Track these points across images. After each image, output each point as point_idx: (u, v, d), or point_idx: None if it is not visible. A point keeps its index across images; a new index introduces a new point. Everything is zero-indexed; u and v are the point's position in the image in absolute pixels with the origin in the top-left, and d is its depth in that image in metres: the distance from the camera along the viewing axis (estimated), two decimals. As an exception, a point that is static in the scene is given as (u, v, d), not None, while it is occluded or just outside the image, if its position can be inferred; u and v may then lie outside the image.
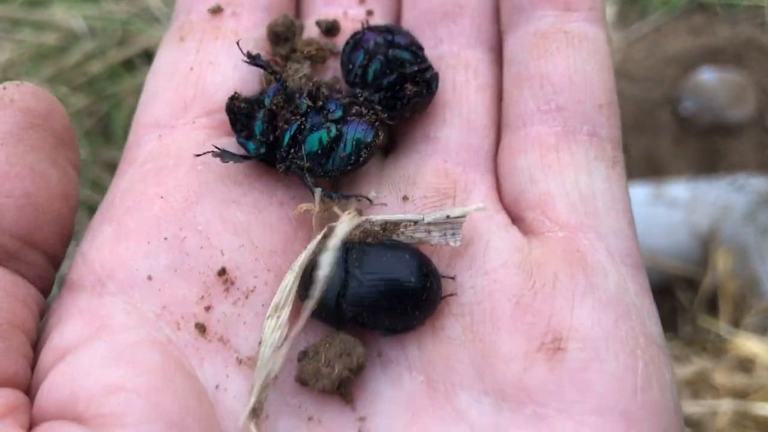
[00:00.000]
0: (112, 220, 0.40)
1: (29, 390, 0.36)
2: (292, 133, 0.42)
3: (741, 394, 1.30)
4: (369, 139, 0.43)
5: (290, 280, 0.39)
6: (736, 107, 1.47)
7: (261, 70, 0.46)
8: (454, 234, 0.40)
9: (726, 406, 1.27)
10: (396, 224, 0.41)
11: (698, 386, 1.35)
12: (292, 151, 0.42)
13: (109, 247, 0.39)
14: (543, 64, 0.44)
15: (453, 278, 0.40)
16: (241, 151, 0.43)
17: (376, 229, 0.41)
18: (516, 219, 0.44)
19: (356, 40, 0.47)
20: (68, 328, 0.37)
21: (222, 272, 0.40)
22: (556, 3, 0.45)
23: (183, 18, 0.48)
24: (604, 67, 0.44)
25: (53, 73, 1.52)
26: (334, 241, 0.37)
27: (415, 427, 0.37)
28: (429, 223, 0.41)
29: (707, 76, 1.48)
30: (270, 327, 0.37)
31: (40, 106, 0.39)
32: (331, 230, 0.40)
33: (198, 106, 0.44)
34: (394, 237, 0.41)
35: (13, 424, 0.33)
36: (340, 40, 0.49)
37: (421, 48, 0.47)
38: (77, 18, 1.52)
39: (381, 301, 0.39)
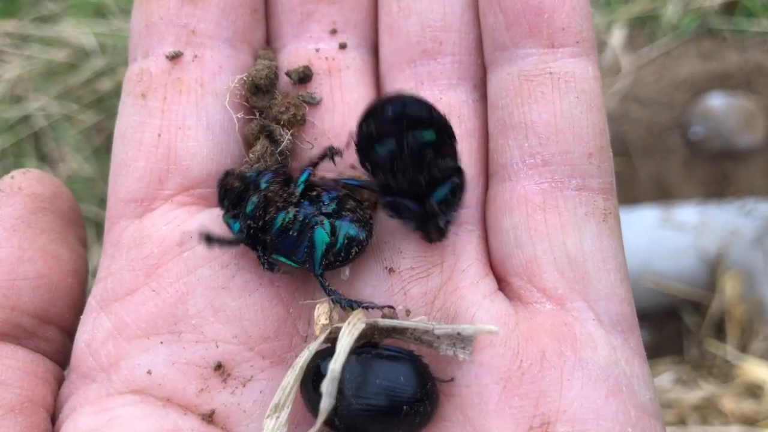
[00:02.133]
0: (110, 312, 0.41)
1: None
2: (285, 222, 0.40)
3: (750, 421, 1.29)
4: (361, 237, 0.41)
5: (290, 380, 0.39)
6: (746, 132, 1.47)
7: (236, 134, 0.44)
8: (464, 348, 0.39)
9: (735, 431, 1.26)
10: (404, 330, 0.40)
11: (706, 411, 1.34)
12: (280, 240, 0.41)
13: (112, 341, 0.41)
14: (527, 112, 0.41)
15: (452, 380, 0.39)
16: (224, 230, 0.42)
17: (382, 328, 0.40)
18: (502, 281, 0.42)
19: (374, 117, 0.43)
20: (81, 421, 0.38)
21: (218, 366, 0.40)
22: (540, 38, 0.41)
23: (141, 64, 0.44)
24: (594, 108, 0.41)
25: (62, 90, 1.52)
26: (343, 347, 0.37)
27: None
28: (438, 335, 0.39)
29: (717, 101, 1.48)
30: (269, 427, 0.38)
31: (46, 190, 0.42)
32: (335, 331, 0.40)
33: (173, 181, 0.43)
34: (401, 338, 0.40)
35: None
36: (314, 85, 0.46)
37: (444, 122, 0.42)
38: (88, 35, 1.52)
39: (372, 422, 0.39)
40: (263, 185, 0.41)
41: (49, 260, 0.41)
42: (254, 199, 0.40)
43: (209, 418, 0.39)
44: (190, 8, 0.43)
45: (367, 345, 0.41)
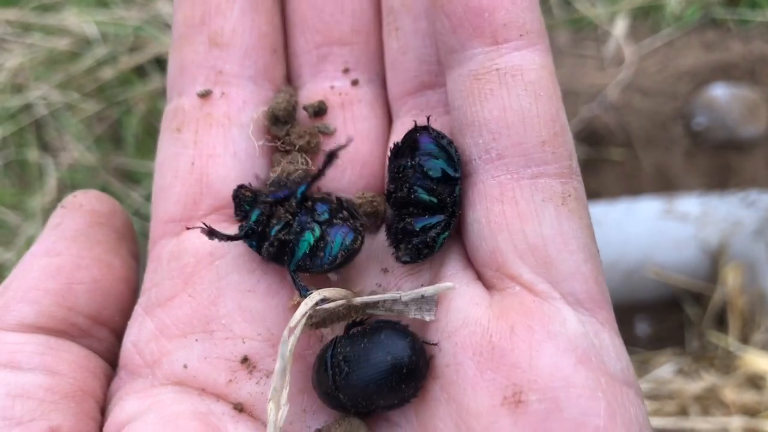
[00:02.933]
0: (153, 316, 0.47)
1: None
2: (279, 228, 0.45)
3: (751, 411, 1.29)
4: (352, 244, 0.45)
5: (279, 366, 0.42)
6: (749, 123, 1.47)
7: (260, 159, 0.49)
8: (429, 310, 0.43)
9: (736, 423, 1.26)
10: (375, 303, 0.45)
11: (708, 402, 1.34)
12: (279, 247, 0.46)
13: (155, 341, 0.46)
14: (479, 111, 0.43)
15: (436, 344, 0.42)
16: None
17: (357, 306, 0.45)
18: (478, 273, 0.44)
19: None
20: (127, 405, 0.44)
21: (245, 360, 0.45)
22: (484, 38, 0.42)
23: (176, 102, 0.50)
24: (543, 97, 0.42)
25: (64, 79, 1.52)
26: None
27: None
28: (406, 302, 0.43)
29: (720, 92, 1.48)
30: (272, 409, 0.42)
31: (103, 207, 0.48)
32: (317, 315, 0.45)
33: (206, 203, 0.48)
34: (375, 312, 0.45)
35: None
36: (329, 118, 0.51)
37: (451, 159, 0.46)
38: (89, 23, 1.52)
39: (369, 386, 0.42)
40: (270, 198, 0.46)
41: (103, 268, 0.46)
42: (257, 209, 0.46)
43: (239, 406, 0.44)
44: (217, 51, 0.49)
45: (353, 325, 0.45)
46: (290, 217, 0.46)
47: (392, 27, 0.49)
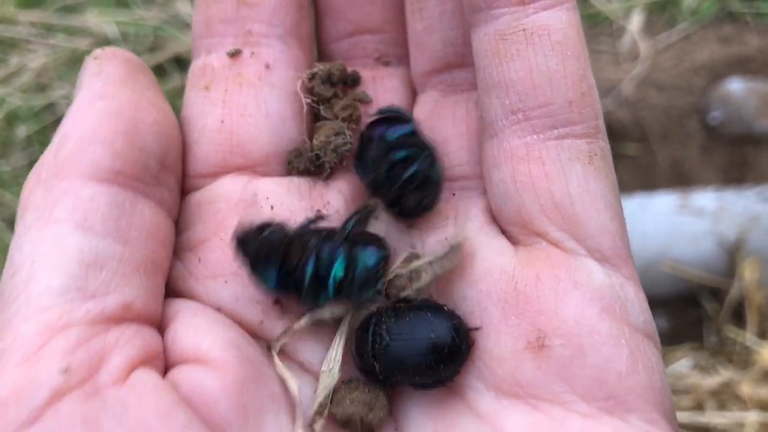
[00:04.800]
0: (183, 258, 0.45)
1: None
2: (311, 272, 0.42)
3: (768, 407, 1.29)
4: (376, 264, 0.43)
5: (339, 336, 0.43)
6: (765, 117, 1.46)
7: (292, 121, 0.48)
8: (453, 260, 0.43)
9: (753, 417, 1.26)
10: (418, 270, 0.44)
11: (724, 397, 1.34)
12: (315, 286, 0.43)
13: (189, 282, 0.44)
14: (505, 71, 0.42)
15: (479, 329, 0.42)
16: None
17: (404, 279, 0.44)
18: (504, 231, 0.45)
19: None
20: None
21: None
22: None
23: (203, 59, 0.48)
24: (570, 57, 0.41)
25: (86, 78, 1.55)
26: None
27: (438, 420, 0.41)
28: (441, 257, 0.43)
29: (736, 86, 1.47)
30: (326, 376, 0.42)
31: (135, 59, 0.45)
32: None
33: (235, 162, 0.46)
34: (420, 283, 0.44)
35: (152, 371, 0.37)
36: (361, 89, 0.51)
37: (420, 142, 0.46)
38: (110, 24, 1.55)
39: (407, 360, 0.41)
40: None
41: (160, 111, 0.43)
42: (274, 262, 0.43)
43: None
44: (245, 10, 0.47)
45: (399, 301, 0.44)
46: (311, 251, 0.43)
47: (416, 7, 0.48)
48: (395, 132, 0.45)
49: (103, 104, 0.40)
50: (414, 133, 0.46)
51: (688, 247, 1.48)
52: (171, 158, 0.44)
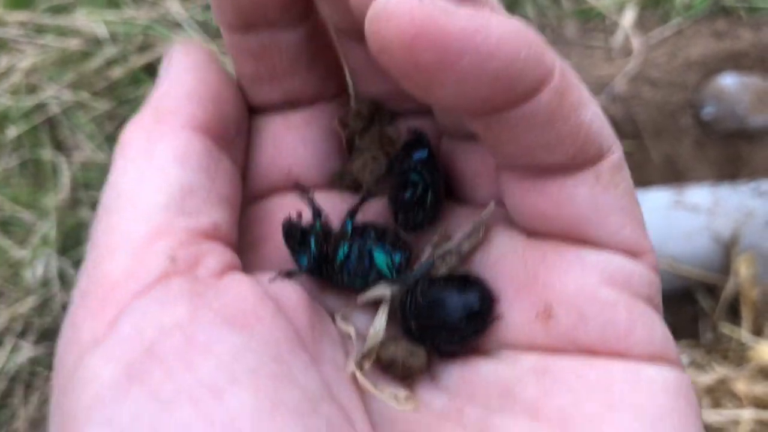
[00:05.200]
0: (244, 252, 0.49)
1: None
2: (344, 253, 0.48)
3: (763, 404, 1.28)
4: (397, 260, 0.48)
5: (382, 312, 0.47)
6: (760, 112, 1.45)
7: (333, 155, 0.52)
8: (476, 237, 0.47)
9: (748, 415, 1.26)
10: (450, 252, 0.48)
11: (719, 395, 1.34)
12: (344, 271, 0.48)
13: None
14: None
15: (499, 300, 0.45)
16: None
17: (440, 257, 0.48)
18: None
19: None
20: None
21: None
22: None
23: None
24: (559, 119, 0.42)
25: (76, 78, 1.54)
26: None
27: (464, 366, 0.45)
28: (468, 236, 0.47)
29: (730, 81, 1.46)
30: (374, 333, 0.46)
31: (207, 47, 0.50)
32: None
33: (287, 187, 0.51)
34: (451, 263, 0.48)
35: (243, 274, 0.42)
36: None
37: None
38: (99, 23, 1.54)
39: (437, 318, 0.45)
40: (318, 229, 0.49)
41: (235, 90, 0.49)
42: (312, 238, 0.48)
43: None
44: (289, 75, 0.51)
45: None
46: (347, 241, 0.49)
47: None
48: (414, 156, 0.50)
49: (196, 74, 0.46)
50: (428, 159, 0.49)
51: (683, 244, 1.48)
52: (244, 127, 0.49)
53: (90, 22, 1.53)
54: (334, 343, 0.45)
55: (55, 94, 1.55)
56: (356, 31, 0.46)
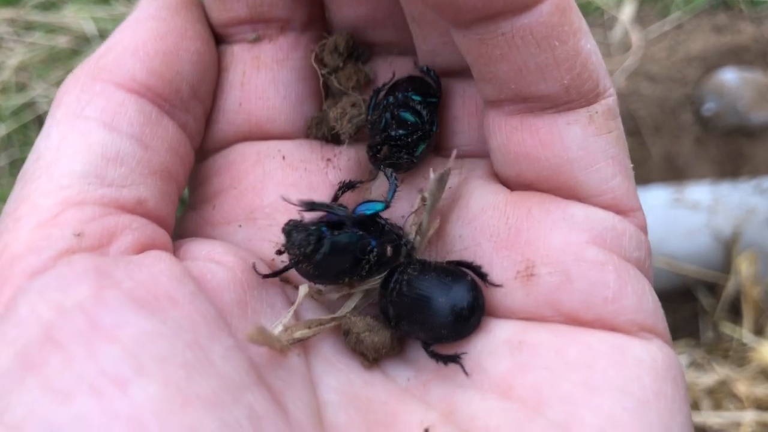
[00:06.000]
0: (198, 208, 0.48)
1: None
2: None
3: (765, 406, 1.27)
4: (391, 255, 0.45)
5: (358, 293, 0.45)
6: (761, 108, 1.43)
7: (309, 99, 0.49)
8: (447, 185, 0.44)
9: (749, 417, 1.24)
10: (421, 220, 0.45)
11: (720, 396, 1.32)
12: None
13: (205, 229, 0.47)
14: (493, 70, 0.41)
15: (501, 285, 0.42)
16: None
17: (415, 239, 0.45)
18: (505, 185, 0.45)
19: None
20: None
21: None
22: (483, 20, 0.40)
23: (223, 46, 0.49)
24: (559, 45, 0.40)
25: (64, 76, 1.52)
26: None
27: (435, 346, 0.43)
28: (432, 192, 0.44)
29: (730, 76, 1.44)
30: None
31: None
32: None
33: (254, 138, 0.48)
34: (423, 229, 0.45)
35: (164, 251, 0.39)
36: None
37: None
38: (87, 21, 1.52)
39: (417, 315, 0.42)
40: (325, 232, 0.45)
41: (205, 44, 0.45)
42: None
43: (285, 279, 0.44)
44: (263, 5, 0.48)
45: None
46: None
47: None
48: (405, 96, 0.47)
49: (152, 24, 0.43)
50: (433, 102, 0.47)
51: (682, 241, 1.46)
52: (204, 89, 0.46)
53: (79, 19, 1.51)
54: (276, 316, 0.41)
55: (44, 93, 1.53)
56: None
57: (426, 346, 0.42)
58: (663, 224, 1.44)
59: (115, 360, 0.31)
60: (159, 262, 0.37)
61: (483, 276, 0.42)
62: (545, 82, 0.39)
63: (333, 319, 0.43)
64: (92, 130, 0.40)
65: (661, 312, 0.41)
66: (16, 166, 1.57)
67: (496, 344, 0.40)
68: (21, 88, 1.57)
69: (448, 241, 0.44)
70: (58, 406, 0.30)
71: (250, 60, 0.48)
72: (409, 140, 0.46)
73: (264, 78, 0.48)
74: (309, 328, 0.41)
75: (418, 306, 0.42)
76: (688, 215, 1.43)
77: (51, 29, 1.56)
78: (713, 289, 1.49)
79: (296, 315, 0.42)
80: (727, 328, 1.41)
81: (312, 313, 0.44)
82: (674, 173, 1.45)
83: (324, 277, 0.44)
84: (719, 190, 1.41)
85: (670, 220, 1.43)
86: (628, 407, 0.37)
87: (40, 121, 1.56)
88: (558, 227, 0.40)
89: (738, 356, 1.38)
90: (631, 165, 0.43)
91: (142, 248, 0.38)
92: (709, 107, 1.44)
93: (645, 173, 1.45)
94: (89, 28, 1.53)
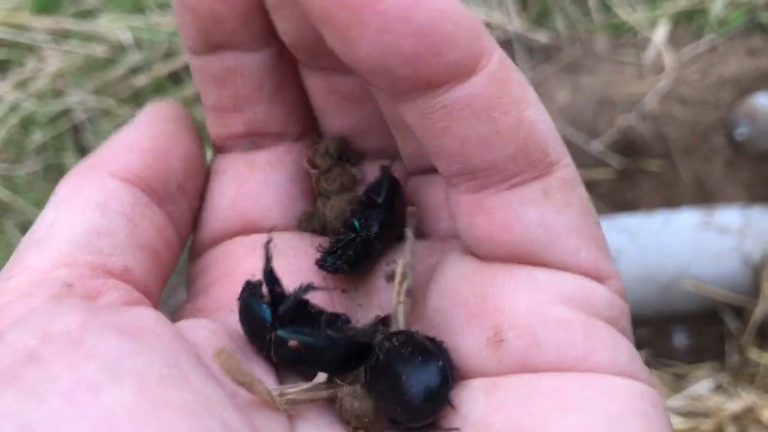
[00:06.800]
0: (198, 295, 0.49)
1: None
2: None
3: (791, 434, 1.26)
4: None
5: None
6: (795, 134, 1.42)
7: (299, 198, 0.52)
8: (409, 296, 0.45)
9: (775, 446, 1.23)
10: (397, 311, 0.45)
11: (746, 422, 1.31)
12: None
13: (198, 317, 0.47)
14: (439, 144, 0.41)
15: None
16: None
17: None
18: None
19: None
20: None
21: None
22: (420, 90, 0.39)
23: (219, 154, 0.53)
24: (500, 116, 0.40)
25: (101, 85, 1.54)
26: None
27: None
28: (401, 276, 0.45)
29: (764, 101, 1.43)
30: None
31: (180, 107, 0.50)
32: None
33: (246, 233, 0.50)
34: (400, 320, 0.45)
35: (152, 310, 0.40)
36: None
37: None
38: (124, 30, 1.54)
39: (387, 389, 0.41)
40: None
41: (194, 148, 0.48)
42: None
43: None
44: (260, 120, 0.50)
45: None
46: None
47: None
48: (372, 197, 0.49)
49: (146, 129, 0.46)
50: (383, 203, 0.49)
51: (710, 264, 1.45)
52: (190, 186, 0.48)
53: (114, 28, 1.53)
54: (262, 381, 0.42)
55: (80, 100, 1.55)
56: (312, 50, 0.45)
57: (397, 426, 0.42)
58: (691, 247, 1.43)
59: (91, 372, 0.33)
60: (145, 311, 0.38)
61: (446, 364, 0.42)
62: (490, 153, 0.39)
63: (333, 387, 0.42)
64: (84, 209, 0.42)
65: (639, 361, 0.40)
66: (50, 171, 1.59)
67: (471, 392, 0.41)
68: (57, 95, 1.60)
69: (427, 316, 0.44)
70: (32, 406, 0.31)
71: (244, 163, 0.50)
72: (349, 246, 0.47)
73: (257, 179, 0.50)
74: (303, 393, 0.41)
75: (392, 381, 0.41)
76: (717, 238, 1.42)
77: (87, 37, 1.58)
78: (740, 313, 1.48)
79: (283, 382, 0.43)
80: (753, 353, 1.40)
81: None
82: (705, 196, 1.44)
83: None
84: (750, 214, 1.40)
85: (698, 242, 1.43)
86: (603, 421, 0.36)
87: (75, 129, 1.58)
88: (522, 290, 0.40)
89: (765, 382, 1.37)
90: (601, 231, 0.43)
91: (126, 304, 0.40)
92: (741, 132, 1.43)
93: (675, 196, 1.44)
94: (125, 36, 1.55)
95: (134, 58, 1.54)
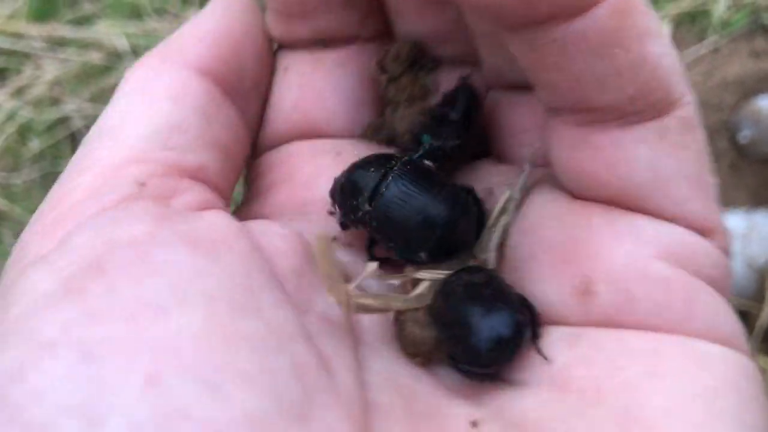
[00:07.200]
0: (253, 203, 0.47)
1: None
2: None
3: (797, 443, 1.24)
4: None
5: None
6: (799, 137, 1.40)
7: (371, 104, 0.48)
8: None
9: (781, 455, 1.21)
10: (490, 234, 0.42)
11: None
12: None
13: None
14: (547, 78, 0.37)
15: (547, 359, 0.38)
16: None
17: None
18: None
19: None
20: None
21: (334, 239, 0.45)
22: (532, 25, 0.35)
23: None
24: (620, 51, 0.35)
25: (98, 93, 1.54)
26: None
27: None
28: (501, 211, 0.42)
29: (768, 103, 1.42)
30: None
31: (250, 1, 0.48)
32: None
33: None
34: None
35: (224, 212, 0.39)
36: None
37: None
38: (120, 36, 1.53)
39: (452, 332, 0.39)
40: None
41: (264, 45, 0.46)
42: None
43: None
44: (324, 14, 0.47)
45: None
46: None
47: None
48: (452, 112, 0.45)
49: (221, 19, 0.44)
50: (462, 118, 0.45)
51: (715, 269, 1.44)
52: (261, 87, 0.47)
53: (111, 35, 1.52)
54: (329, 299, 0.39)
55: (77, 108, 1.55)
56: None
57: (454, 363, 0.39)
58: (695, 251, 1.42)
59: (157, 291, 0.30)
60: (218, 217, 0.36)
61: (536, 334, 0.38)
62: (606, 94, 0.35)
63: (403, 300, 0.40)
64: (158, 101, 0.40)
65: (739, 329, 0.37)
66: (47, 179, 1.59)
67: (551, 341, 0.37)
68: (54, 103, 1.59)
69: (502, 251, 0.41)
70: (91, 326, 0.29)
71: (310, 62, 0.47)
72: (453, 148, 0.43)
73: (323, 80, 0.47)
74: (375, 299, 0.39)
75: (456, 323, 0.39)
76: (722, 243, 1.41)
77: (84, 45, 1.58)
78: (745, 317, 1.46)
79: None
80: (760, 361, 1.39)
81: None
82: (708, 200, 1.43)
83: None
84: (754, 218, 1.39)
85: (702, 247, 1.41)
86: (696, 392, 0.33)
87: (73, 137, 1.58)
88: (621, 238, 0.37)
89: (770, 389, 1.35)
90: (712, 180, 0.39)
91: (200, 207, 0.37)
92: (745, 134, 1.41)
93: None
94: (121, 43, 1.54)
95: (131, 65, 1.54)
